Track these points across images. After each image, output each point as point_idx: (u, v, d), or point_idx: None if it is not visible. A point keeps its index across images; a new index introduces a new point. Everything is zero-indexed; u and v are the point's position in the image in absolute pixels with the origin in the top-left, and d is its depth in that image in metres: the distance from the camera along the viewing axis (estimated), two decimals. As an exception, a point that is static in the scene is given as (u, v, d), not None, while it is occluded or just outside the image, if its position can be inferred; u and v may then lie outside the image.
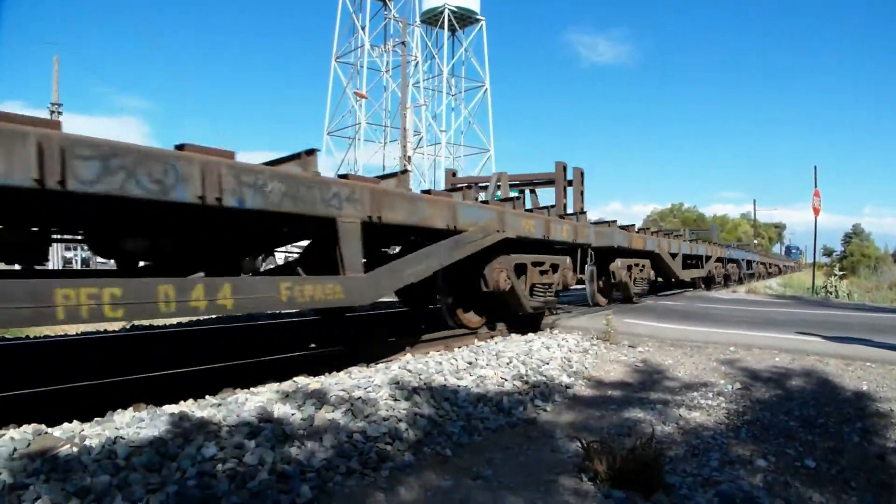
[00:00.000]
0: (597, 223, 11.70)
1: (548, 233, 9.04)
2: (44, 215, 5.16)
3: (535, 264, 8.95)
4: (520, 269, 8.61)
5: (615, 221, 12.31)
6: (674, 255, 16.11)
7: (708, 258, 20.73)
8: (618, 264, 12.62)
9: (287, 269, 7.44)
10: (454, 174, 14.04)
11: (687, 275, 18.11)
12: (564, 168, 12.62)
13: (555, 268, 9.46)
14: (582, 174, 12.88)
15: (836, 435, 4.58)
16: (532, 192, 13.13)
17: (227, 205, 4.59)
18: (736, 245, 33.20)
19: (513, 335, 8.55)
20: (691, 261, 18.97)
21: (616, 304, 13.27)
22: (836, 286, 25.10)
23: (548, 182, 12.86)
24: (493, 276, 7.98)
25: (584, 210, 11.84)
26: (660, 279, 17.64)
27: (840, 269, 32.90)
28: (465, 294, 8.60)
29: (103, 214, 5.09)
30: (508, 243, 8.09)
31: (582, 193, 12.42)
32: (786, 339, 7.86)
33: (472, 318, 9.00)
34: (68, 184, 3.75)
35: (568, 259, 9.96)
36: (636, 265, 13.72)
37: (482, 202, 8.43)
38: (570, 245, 10.07)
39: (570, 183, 12.55)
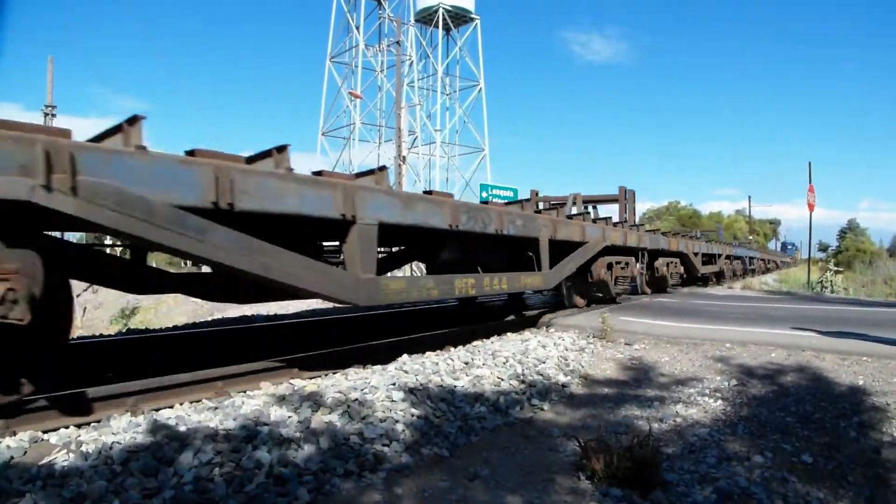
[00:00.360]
0: (649, 231, 15.90)
1: (625, 240, 12.77)
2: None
3: (617, 262, 12.40)
4: (608, 267, 12.01)
5: (659, 230, 17.51)
6: (696, 255, 19.38)
7: (719, 256, 24.18)
8: (660, 262, 16.16)
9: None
10: (537, 193, 18.30)
11: (705, 270, 21.33)
12: (626, 190, 19.00)
13: (627, 265, 12.89)
14: (634, 194, 20.26)
15: (833, 430, 4.59)
16: (594, 207, 16.67)
17: (506, 233, 8.22)
18: (738, 244, 35.93)
19: (509, 334, 8.56)
20: (706, 259, 22.05)
21: (657, 294, 15.90)
22: (831, 281, 25.13)
23: (608, 200, 19.26)
24: (596, 271, 11.73)
25: (636, 222, 16.67)
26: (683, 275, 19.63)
27: (836, 265, 32.98)
28: (577, 284, 11.73)
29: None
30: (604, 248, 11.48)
31: (634, 210, 18.54)
32: (781, 334, 7.88)
33: (580, 300, 12.04)
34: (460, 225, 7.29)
35: (633, 259, 13.40)
36: (672, 263, 17.22)
37: (594, 220, 12.32)
38: (634, 249, 13.71)
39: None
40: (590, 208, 16.19)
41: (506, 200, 13.67)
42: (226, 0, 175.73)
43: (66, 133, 3.93)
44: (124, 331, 9.53)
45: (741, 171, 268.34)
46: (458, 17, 64.11)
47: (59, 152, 3.72)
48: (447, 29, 64.39)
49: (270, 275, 4.98)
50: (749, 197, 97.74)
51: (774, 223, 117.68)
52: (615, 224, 12.98)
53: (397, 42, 38.28)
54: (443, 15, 62.20)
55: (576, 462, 3.83)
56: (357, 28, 61.85)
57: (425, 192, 7.23)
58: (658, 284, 16.35)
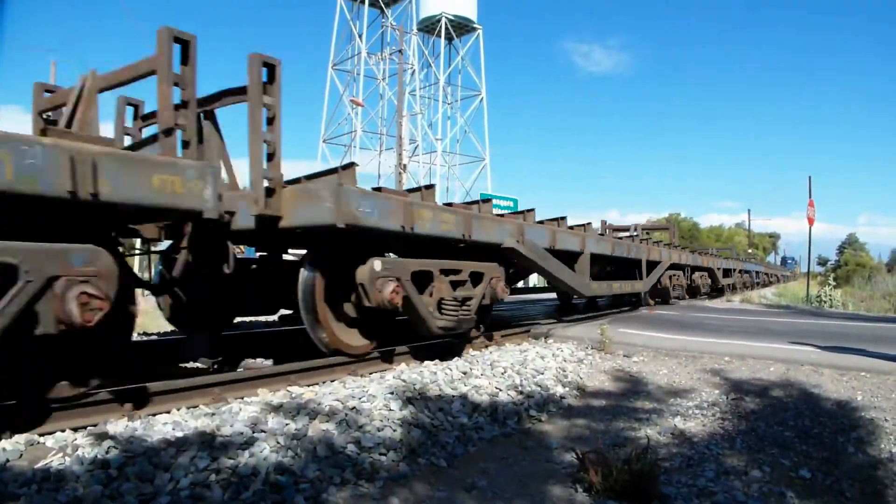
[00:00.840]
0: (692, 250, 20.57)
1: (679, 259, 17.53)
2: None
3: (673, 275, 17.17)
4: (669, 278, 16.58)
5: (707, 249, 22.69)
6: (719, 269, 23.55)
7: (734, 270, 28.50)
8: (696, 275, 20.29)
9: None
10: (604, 222, 21.86)
11: (725, 282, 24.96)
12: (674, 219, 26.40)
13: (679, 276, 17.69)
14: (677, 225, 32.98)
15: (831, 445, 4.58)
16: (648, 233, 20.42)
17: (620, 255, 12.60)
18: (745, 259, 40.66)
19: (507, 344, 8.54)
20: (725, 272, 25.46)
21: (658, 306, 17.00)
22: (830, 296, 25.17)
23: (658, 228, 25.27)
24: (664, 280, 16.09)
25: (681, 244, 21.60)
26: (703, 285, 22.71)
27: (834, 279, 33.04)
28: (651, 289, 15.46)
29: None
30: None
31: (676, 234, 22.62)
32: (780, 349, 7.87)
33: (651, 300, 16.37)
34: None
35: (681, 272, 18.03)
36: (702, 276, 21.34)
37: (665, 244, 17.43)
38: (682, 265, 17.96)
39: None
40: (644, 234, 19.50)
41: (509, 210, 15.25)
42: (227, 5, 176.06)
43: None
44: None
45: (741, 183, 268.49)
46: (461, 27, 64.39)
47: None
48: (449, 38, 64.68)
49: (562, 277, 9.35)
50: (749, 210, 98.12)
51: (774, 237, 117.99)
52: (674, 247, 17.97)
53: (399, 50, 38.48)
54: (445, 24, 62.47)
55: (573, 474, 3.83)
56: (360, 36, 62.16)
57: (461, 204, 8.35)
58: (692, 292, 20.22)
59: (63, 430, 3.97)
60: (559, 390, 6.05)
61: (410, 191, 7.29)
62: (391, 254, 6.59)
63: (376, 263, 5.82)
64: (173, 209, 4.39)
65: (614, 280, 12.36)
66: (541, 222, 9.70)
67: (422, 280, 6.60)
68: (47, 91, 6.03)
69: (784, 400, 5.68)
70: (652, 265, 14.57)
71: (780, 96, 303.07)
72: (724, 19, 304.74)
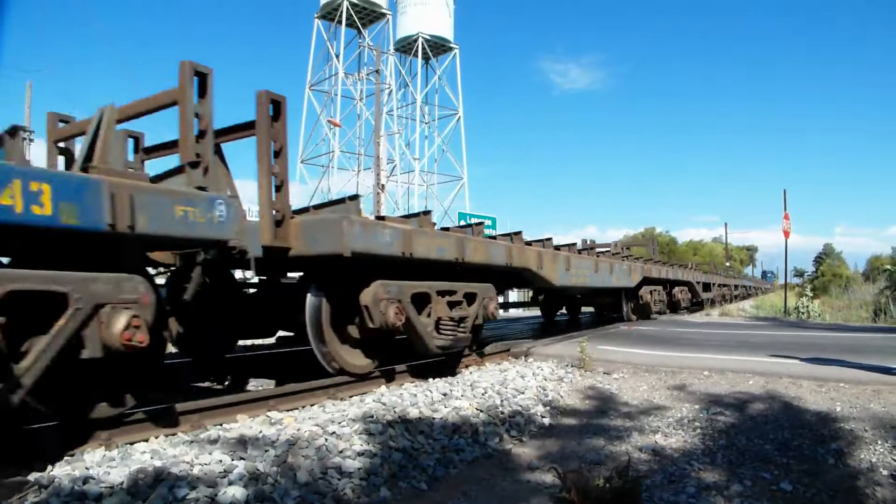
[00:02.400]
0: (679, 265, 22.78)
1: (668, 275, 18.68)
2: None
3: (653, 290, 17.38)
4: (650, 293, 16.89)
5: (686, 263, 24.87)
6: (698, 283, 23.99)
7: (713, 284, 29.31)
8: (676, 290, 20.89)
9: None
10: (585, 240, 19.88)
11: (705, 296, 25.52)
12: (650, 233, 27.46)
13: (659, 292, 18.04)
14: (655, 240, 29.11)
15: (811, 457, 4.59)
16: (628, 249, 19.28)
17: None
18: (723, 273, 41.73)
19: (488, 364, 8.54)
20: (704, 287, 25.78)
21: (667, 313, 19.51)
22: (807, 307, 25.33)
23: (640, 244, 24.26)
24: (645, 296, 16.82)
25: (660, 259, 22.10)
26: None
27: (812, 290, 33.28)
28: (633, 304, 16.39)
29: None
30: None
31: (656, 250, 23.05)
32: (759, 361, 7.91)
33: (633, 316, 16.68)
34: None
35: (661, 287, 18.48)
36: (683, 290, 21.92)
37: (644, 259, 17.51)
38: (661, 280, 18.10)
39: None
40: (624, 249, 18.66)
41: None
42: (204, 27, 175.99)
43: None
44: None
45: (718, 197, 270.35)
46: (438, 47, 64.68)
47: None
48: (426, 58, 64.95)
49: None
50: (725, 224, 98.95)
51: (751, 249, 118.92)
52: (653, 262, 18.16)
53: (377, 71, 38.55)
54: (422, 44, 62.74)
55: (555, 494, 3.80)
56: (337, 56, 62.24)
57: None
58: (673, 307, 20.96)
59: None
60: (539, 409, 6.04)
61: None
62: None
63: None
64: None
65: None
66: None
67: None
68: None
69: (764, 413, 5.69)
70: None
71: (755, 109, 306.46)
72: (696, 35, 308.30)
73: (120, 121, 5.29)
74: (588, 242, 20.00)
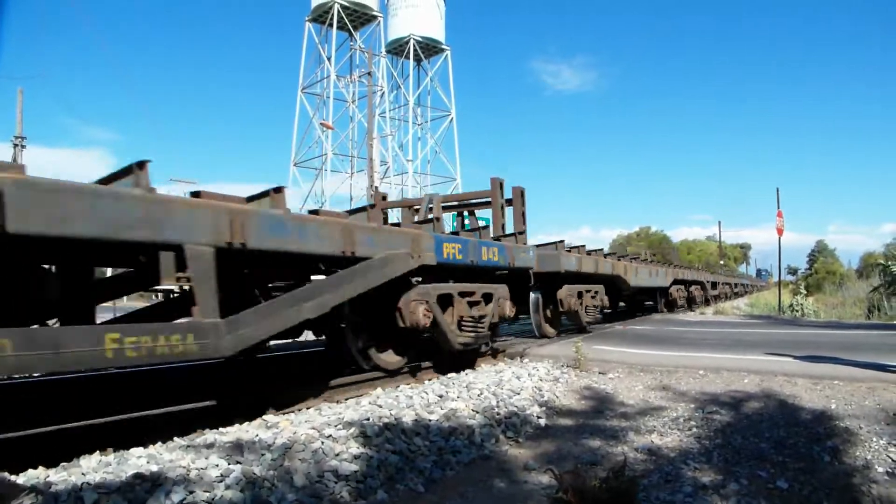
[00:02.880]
0: (695, 269, 25.17)
1: (688, 276, 23.32)
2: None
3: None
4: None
5: (694, 265, 27.68)
6: (707, 282, 27.11)
7: (718, 283, 32.74)
8: (693, 288, 23.55)
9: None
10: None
11: (698, 294, 26.63)
12: (644, 233, 25.48)
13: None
14: (648, 236, 33.55)
15: (807, 455, 4.60)
16: (654, 255, 20.52)
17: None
18: (724, 272, 47.16)
19: (483, 365, 8.54)
20: (698, 285, 27.24)
21: (663, 312, 20.05)
22: (802, 304, 25.40)
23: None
24: (672, 293, 20.56)
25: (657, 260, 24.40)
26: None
27: (805, 287, 33.41)
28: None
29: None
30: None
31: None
32: (754, 360, 7.92)
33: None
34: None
35: (693, 286, 22.20)
36: (697, 288, 24.85)
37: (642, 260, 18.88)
38: (689, 281, 22.55)
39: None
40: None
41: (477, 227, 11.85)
42: (197, 31, 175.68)
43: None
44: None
45: (712, 196, 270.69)
46: (429, 48, 64.73)
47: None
48: (418, 60, 65.01)
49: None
50: (719, 222, 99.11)
51: (745, 247, 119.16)
52: (680, 267, 20.32)
53: (369, 73, 38.52)
54: (414, 46, 62.79)
55: (551, 495, 3.81)
56: (328, 59, 62.18)
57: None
58: (668, 305, 21.67)
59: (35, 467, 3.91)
60: (535, 410, 6.04)
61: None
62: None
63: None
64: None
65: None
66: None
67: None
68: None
69: (759, 411, 5.70)
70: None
71: (748, 108, 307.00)
72: (687, 35, 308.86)
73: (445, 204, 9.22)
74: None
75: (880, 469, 4.27)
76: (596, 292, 13.06)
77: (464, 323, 8.01)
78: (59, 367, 3.93)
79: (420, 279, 7.53)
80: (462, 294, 8.02)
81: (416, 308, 7.08)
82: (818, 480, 4.17)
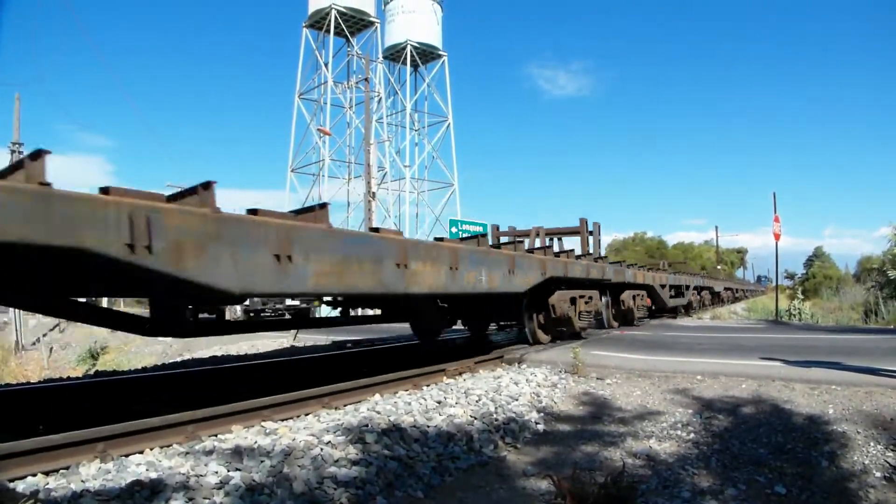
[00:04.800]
0: (706, 276, 27.41)
1: (704, 283, 28.47)
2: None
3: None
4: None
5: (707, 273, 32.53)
6: (689, 287, 25.30)
7: (704, 287, 31.32)
8: (704, 292, 24.65)
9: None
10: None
11: (695, 299, 27.17)
12: (639, 237, 33.97)
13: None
14: (644, 241, 54.46)
15: (805, 460, 4.62)
16: (559, 240, 18.40)
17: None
18: (725, 278, 50.22)
19: (481, 371, 8.55)
20: (696, 290, 27.59)
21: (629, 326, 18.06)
22: (799, 309, 25.42)
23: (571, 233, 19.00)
24: (692, 298, 22.24)
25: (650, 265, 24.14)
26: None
27: (803, 292, 33.46)
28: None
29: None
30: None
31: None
32: (752, 365, 7.93)
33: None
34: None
35: (704, 291, 23.26)
36: (707, 292, 26.97)
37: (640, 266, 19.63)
38: (702, 287, 25.77)
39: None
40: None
41: (475, 234, 13.35)
42: (194, 37, 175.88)
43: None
44: (91, 372, 9.34)
45: (708, 200, 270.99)
46: (426, 54, 64.70)
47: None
48: (415, 65, 64.93)
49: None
50: (716, 227, 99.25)
51: (741, 252, 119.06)
52: (699, 276, 21.48)
53: (366, 79, 38.49)
54: (411, 52, 62.74)
55: (550, 501, 3.82)
56: (326, 65, 62.11)
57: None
58: (701, 306, 24.66)
59: (34, 475, 3.91)
60: (533, 416, 6.05)
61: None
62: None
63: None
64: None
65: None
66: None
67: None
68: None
69: (757, 416, 5.71)
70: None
71: (743, 112, 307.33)
72: (682, 40, 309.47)
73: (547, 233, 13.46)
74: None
75: (878, 474, 4.30)
76: (710, 292, 19.52)
77: (582, 314, 12.06)
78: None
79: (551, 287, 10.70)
80: (581, 296, 11.86)
81: (562, 304, 11.00)
82: (816, 485, 4.19)
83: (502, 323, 14.53)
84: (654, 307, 20.07)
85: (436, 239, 8.10)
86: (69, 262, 4.63)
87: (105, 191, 3.93)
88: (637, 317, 16.94)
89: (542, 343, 11.40)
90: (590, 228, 17.50)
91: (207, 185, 4.84)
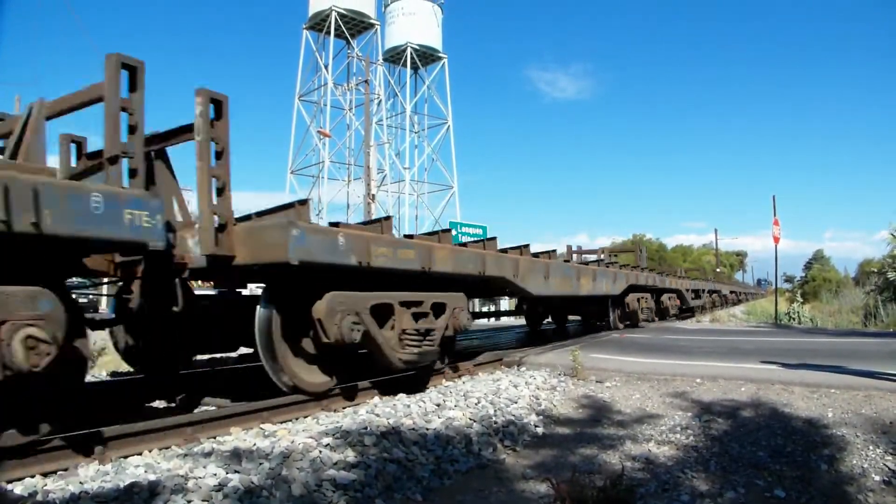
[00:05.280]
0: (659, 272, 21.68)
1: (711, 287, 31.45)
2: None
3: (641, 297, 17.64)
4: (637, 301, 17.34)
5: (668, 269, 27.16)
6: (687, 290, 25.58)
7: (703, 291, 32.12)
8: (665, 297, 21.82)
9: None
10: (570, 247, 20.84)
11: (695, 303, 27.67)
12: (639, 240, 35.73)
13: (648, 299, 18.52)
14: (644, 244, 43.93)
15: (804, 463, 4.61)
16: (616, 256, 20.90)
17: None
18: (728, 281, 53.82)
19: (480, 374, 8.55)
20: (694, 294, 28.06)
21: (656, 321, 20.07)
22: (798, 312, 25.43)
23: (627, 251, 27.31)
24: (632, 303, 16.99)
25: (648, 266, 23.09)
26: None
27: (802, 295, 33.50)
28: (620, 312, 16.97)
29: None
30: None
31: (644, 257, 24.41)
32: (751, 368, 7.93)
33: (619, 324, 16.73)
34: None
35: (650, 295, 18.76)
36: (717, 295, 27.58)
37: (632, 267, 18.38)
38: (708, 290, 27.95)
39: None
40: (611, 257, 20.20)
41: (476, 238, 14.26)
42: (194, 39, 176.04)
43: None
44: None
45: (708, 203, 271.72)
46: (426, 56, 64.79)
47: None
48: (415, 68, 65.03)
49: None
50: (715, 230, 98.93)
51: (741, 255, 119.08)
52: (640, 270, 18.87)
53: (366, 81, 38.54)
54: (411, 54, 62.84)
55: (549, 504, 3.82)
56: (326, 67, 62.20)
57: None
58: (662, 314, 22.06)
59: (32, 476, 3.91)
60: (533, 419, 6.04)
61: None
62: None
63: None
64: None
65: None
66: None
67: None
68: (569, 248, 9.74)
69: (756, 420, 5.71)
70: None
71: (743, 114, 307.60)
72: (683, 42, 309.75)
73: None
74: (573, 250, 20.42)
75: (876, 477, 4.30)
76: (719, 295, 23.03)
77: (643, 310, 16.84)
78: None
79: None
80: (641, 297, 16.20)
81: (633, 303, 16.23)
82: (815, 489, 4.18)
83: (590, 318, 18.38)
84: (682, 307, 24.05)
85: (565, 260, 13.06)
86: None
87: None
88: (670, 314, 22.17)
89: (619, 328, 16.43)
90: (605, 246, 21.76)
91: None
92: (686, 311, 25.21)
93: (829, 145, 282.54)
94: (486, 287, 9.65)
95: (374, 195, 37.21)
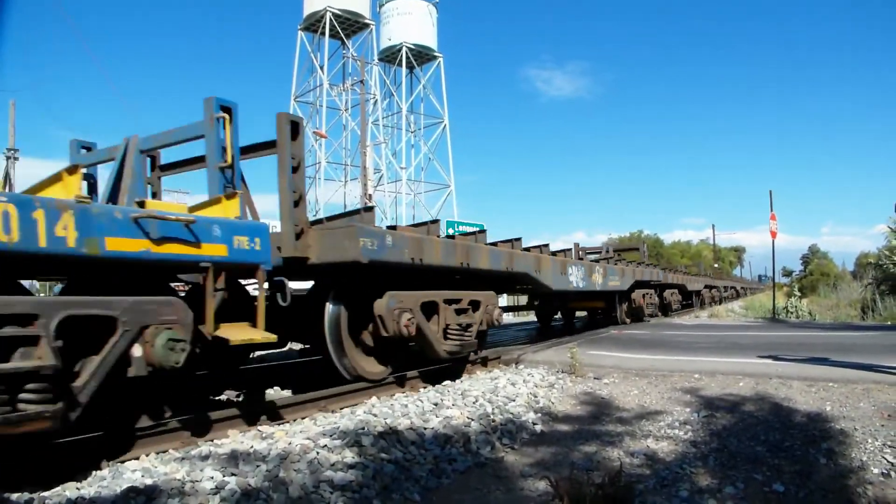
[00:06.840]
0: (661, 268, 22.14)
1: (713, 283, 35.03)
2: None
3: (646, 293, 18.75)
4: (643, 296, 18.32)
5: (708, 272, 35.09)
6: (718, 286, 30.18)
7: (703, 286, 32.64)
8: (667, 293, 22.13)
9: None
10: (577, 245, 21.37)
11: (694, 298, 29.18)
12: (636, 236, 39.22)
13: (652, 294, 19.74)
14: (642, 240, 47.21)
15: (803, 457, 4.60)
16: (619, 253, 20.59)
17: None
18: (725, 276, 54.88)
19: (478, 372, 8.54)
20: (693, 289, 28.72)
21: (658, 316, 20.66)
22: (796, 306, 25.45)
23: (631, 249, 29.77)
24: (638, 299, 17.84)
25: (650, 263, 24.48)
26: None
27: (800, 289, 33.53)
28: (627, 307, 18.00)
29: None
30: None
31: (647, 253, 24.88)
32: (749, 363, 7.93)
33: (626, 319, 17.91)
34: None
35: (653, 290, 19.65)
36: (673, 293, 23.52)
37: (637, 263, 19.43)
38: (709, 285, 29.95)
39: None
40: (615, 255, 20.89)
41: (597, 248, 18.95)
42: (189, 40, 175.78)
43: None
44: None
45: (705, 199, 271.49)
46: (422, 56, 64.75)
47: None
48: (411, 67, 65.00)
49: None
50: (713, 226, 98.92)
51: (739, 250, 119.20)
52: (646, 266, 19.63)
53: (361, 81, 38.53)
54: (406, 53, 62.80)
55: (548, 502, 3.80)
56: (321, 67, 62.17)
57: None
58: (664, 309, 22.42)
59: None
60: (531, 417, 6.03)
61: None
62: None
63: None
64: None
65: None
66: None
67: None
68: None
69: (755, 414, 5.71)
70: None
71: (741, 111, 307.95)
72: (679, 40, 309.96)
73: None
74: (580, 248, 20.86)
75: (875, 470, 4.28)
76: (716, 290, 28.63)
77: (648, 305, 17.22)
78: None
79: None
80: (646, 293, 17.04)
81: (638, 298, 16.93)
82: (814, 483, 4.17)
83: (597, 313, 19.26)
84: (683, 301, 25.13)
85: (578, 257, 13.57)
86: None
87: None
88: (673, 308, 22.91)
89: (626, 323, 17.61)
90: (598, 247, 20.78)
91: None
92: (686, 306, 26.32)
93: (826, 141, 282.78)
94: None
95: (370, 195, 37.14)
